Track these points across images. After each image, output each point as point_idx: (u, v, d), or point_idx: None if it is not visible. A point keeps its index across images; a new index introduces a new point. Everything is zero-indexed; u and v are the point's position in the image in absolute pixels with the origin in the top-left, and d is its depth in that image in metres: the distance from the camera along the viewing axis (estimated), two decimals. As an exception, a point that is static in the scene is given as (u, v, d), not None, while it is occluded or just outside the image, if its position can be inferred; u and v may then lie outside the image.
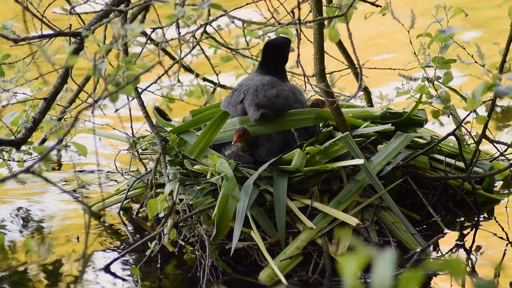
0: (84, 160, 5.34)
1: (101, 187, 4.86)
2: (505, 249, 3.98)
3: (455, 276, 1.71)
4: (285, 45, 4.39)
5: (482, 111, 5.55)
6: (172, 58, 5.96)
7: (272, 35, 5.42)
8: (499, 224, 4.24)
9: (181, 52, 4.16)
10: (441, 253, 3.95)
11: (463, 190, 4.30)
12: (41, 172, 2.70)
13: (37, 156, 4.07)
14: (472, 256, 3.92)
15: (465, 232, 4.17)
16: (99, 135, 4.91)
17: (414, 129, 4.38)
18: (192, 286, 3.72)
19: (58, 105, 4.32)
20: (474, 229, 4.19)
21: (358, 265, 1.80)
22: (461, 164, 4.38)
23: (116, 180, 4.92)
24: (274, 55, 4.36)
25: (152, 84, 4.24)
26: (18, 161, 4.19)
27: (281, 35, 4.68)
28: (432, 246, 3.94)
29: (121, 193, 4.47)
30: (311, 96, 4.76)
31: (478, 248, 3.99)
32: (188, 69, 6.10)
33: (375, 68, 5.29)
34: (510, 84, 3.41)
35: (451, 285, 3.66)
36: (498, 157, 4.50)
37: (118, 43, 2.91)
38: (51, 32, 3.75)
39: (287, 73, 4.53)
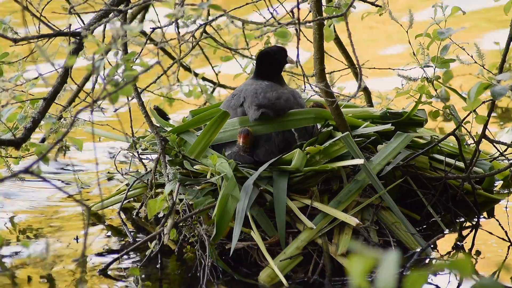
0: (83, 160, 5.33)
1: (100, 187, 4.86)
2: (506, 249, 3.98)
3: (463, 276, 1.71)
4: (278, 53, 4.35)
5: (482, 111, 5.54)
6: (172, 57, 5.95)
7: (271, 36, 5.41)
8: (499, 224, 4.24)
9: (180, 52, 4.16)
10: (441, 253, 3.95)
11: (463, 190, 4.30)
12: (40, 172, 2.69)
13: (33, 153, 4.06)
14: (472, 256, 3.91)
15: (465, 232, 4.17)
16: (99, 135, 4.90)
17: (414, 129, 4.37)
18: (192, 286, 3.72)
19: (57, 104, 4.31)
20: (474, 229, 4.19)
21: (365, 266, 1.80)
22: (461, 164, 4.38)
23: (117, 180, 4.91)
24: (269, 64, 4.33)
25: (151, 84, 4.23)
26: (15, 158, 4.18)
27: (276, 44, 4.66)
28: (432, 246, 3.93)
29: (121, 193, 4.46)
30: (311, 96, 4.75)
31: (478, 248, 3.99)
32: (188, 69, 6.09)
33: (374, 68, 5.29)
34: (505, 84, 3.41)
35: (450, 285, 3.66)
36: (498, 157, 4.50)
37: (117, 43, 2.90)
38: (50, 31, 3.75)
39: (287, 74, 4.51)
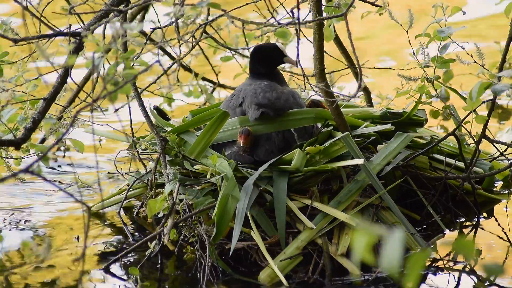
0: (83, 160, 5.33)
1: (99, 187, 4.86)
2: (505, 249, 3.98)
3: (466, 257, 1.71)
4: (270, 50, 4.32)
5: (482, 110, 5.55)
6: (172, 57, 5.96)
7: (271, 35, 5.41)
8: (499, 224, 4.24)
9: (180, 52, 4.16)
10: (440, 254, 3.95)
11: (463, 190, 4.30)
12: (40, 172, 2.69)
13: (34, 153, 4.06)
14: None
15: (465, 232, 4.16)
16: (99, 135, 4.90)
17: (414, 129, 4.37)
18: (192, 286, 3.72)
19: (57, 104, 4.32)
20: (474, 229, 4.19)
21: (368, 241, 1.80)
22: (461, 164, 4.38)
23: (118, 178, 4.91)
24: (262, 61, 4.31)
25: (151, 84, 4.23)
26: (16, 159, 4.18)
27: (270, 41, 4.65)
28: (432, 246, 3.93)
29: (121, 193, 4.46)
30: (311, 96, 4.75)
31: (478, 247, 3.99)
32: (187, 69, 6.09)
33: (374, 67, 5.29)
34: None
35: (450, 285, 3.66)
36: (498, 157, 4.49)
37: (117, 43, 2.91)
38: (50, 32, 3.75)
39: (287, 74, 4.50)
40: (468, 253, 1.84)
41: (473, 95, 3.56)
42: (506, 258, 3.90)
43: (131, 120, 4.45)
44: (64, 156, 5.51)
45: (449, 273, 3.74)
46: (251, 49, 4.58)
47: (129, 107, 4.43)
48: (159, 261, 3.87)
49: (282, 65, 4.56)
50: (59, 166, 5.30)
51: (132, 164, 4.81)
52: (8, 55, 4.13)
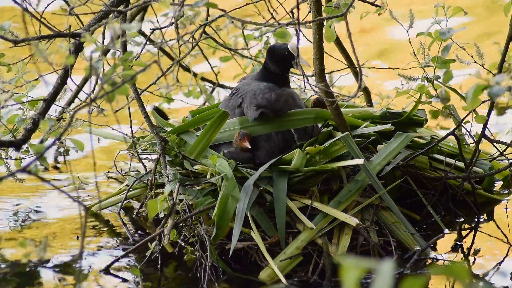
0: (83, 161, 5.33)
1: (97, 187, 4.86)
2: (504, 250, 3.98)
3: (459, 281, 1.71)
4: (279, 49, 4.29)
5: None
6: (171, 58, 5.96)
7: (271, 36, 5.40)
8: (498, 225, 4.23)
9: (180, 53, 4.16)
10: (441, 254, 3.94)
11: (463, 190, 4.30)
12: (37, 172, 2.69)
13: (34, 154, 4.06)
14: (471, 257, 3.91)
15: (464, 232, 4.16)
16: (97, 135, 4.90)
17: (414, 129, 4.37)
18: (193, 286, 3.72)
19: (57, 105, 4.32)
20: (473, 229, 4.19)
21: (358, 274, 1.80)
22: (461, 164, 4.38)
23: (117, 179, 4.91)
24: (278, 63, 4.27)
25: (151, 85, 4.23)
26: (15, 159, 4.18)
27: (282, 42, 4.63)
28: (431, 246, 3.93)
29: (121, 193, 4.46)
30: (311, 96, 4.74)
31: (478, 248, 3.99)
32: (187, 69, 6.09)
33: (374, 67, 5.29)
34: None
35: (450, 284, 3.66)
36: (498, 157, 4.49)
37: (115, 43, 2.91)
38: (50, 33, 3.75)
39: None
40: (462, 278, 1.84)
41: (469, 97, 3.56)
42: (504, 259, 3.90)
43: (130, 121, 4.45)
44: (64, 153, 5.51)
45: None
46: (250, 50, 4.58)
47: (129, 108, 4.43)
48: (160, 262, 3.87)
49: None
50: (58, 168, 5.30)
51: (131, 164, 4.81)
52: (8, 57, 4.12)
